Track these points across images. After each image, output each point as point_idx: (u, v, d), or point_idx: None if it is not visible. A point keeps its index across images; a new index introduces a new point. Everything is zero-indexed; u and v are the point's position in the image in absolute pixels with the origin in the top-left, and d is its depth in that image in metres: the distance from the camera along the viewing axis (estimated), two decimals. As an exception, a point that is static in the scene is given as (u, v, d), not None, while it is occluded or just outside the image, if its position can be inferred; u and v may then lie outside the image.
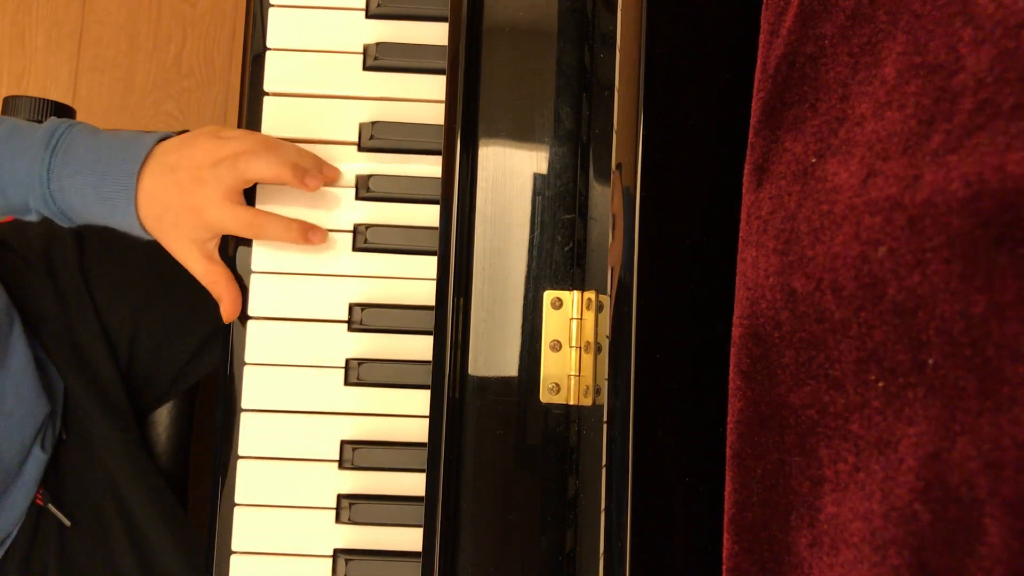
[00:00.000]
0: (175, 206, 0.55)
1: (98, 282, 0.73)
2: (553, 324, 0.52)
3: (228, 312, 0.56)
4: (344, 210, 0.57)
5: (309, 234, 0.56)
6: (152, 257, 0.71)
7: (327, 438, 0.56)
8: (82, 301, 0.71)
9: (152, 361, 0.75)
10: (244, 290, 0.57)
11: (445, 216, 0.53)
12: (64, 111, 0.90)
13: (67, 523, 0.67)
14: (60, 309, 0.71)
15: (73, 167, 0.55)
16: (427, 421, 0.52)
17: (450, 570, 0.50)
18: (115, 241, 0.70)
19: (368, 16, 0.58)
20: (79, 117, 0.93)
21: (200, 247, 0.56)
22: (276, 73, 0.58)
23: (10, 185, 0.56)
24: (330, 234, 0.57)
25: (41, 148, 0.56)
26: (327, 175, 0.57)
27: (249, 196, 0.58)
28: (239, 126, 0.58)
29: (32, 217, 0.58)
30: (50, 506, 0.67)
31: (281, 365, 0.57)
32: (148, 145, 0.56)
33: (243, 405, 0.56)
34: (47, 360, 0.70)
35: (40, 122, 0.87)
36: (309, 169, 0.55)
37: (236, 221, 0.55)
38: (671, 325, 0.49)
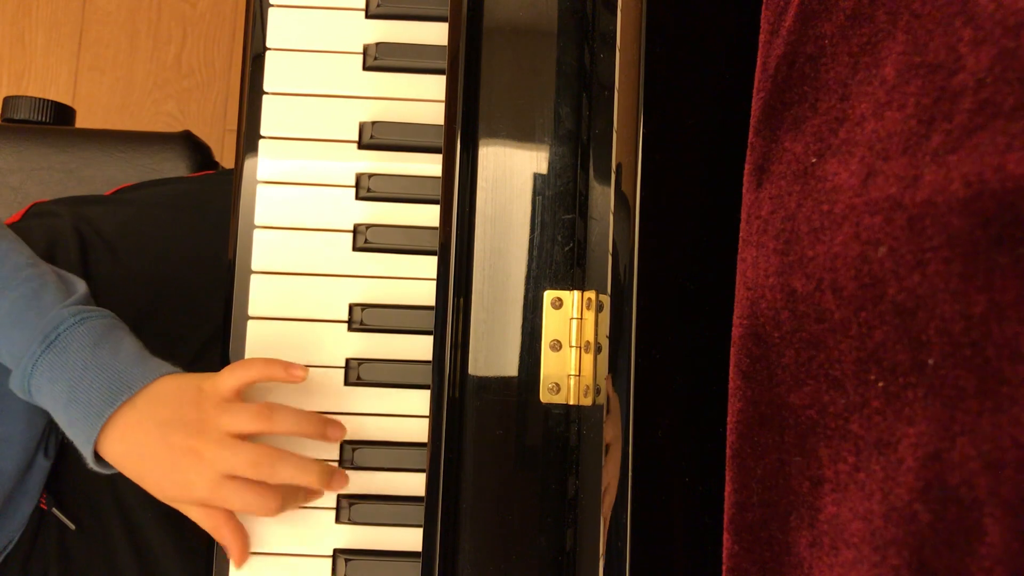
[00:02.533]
0: (163, 469, 0.52)
1: (100, 286, 0.73)
2: (553, 324, 0.52)
3: (238, 559, 0.53)
4: (344, 210, 0.57)
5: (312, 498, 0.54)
6: (154, 262, 0.71)
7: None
8: None
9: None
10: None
11: (445, 216, 0.53)
12: (64, 111, 0.90)
13: (72, 527, 0.67)
14: None
15: (56, 374, 0.52)
16: (427, 421, 0.52)
17: (450, 570, 0.50)
18: (118, 245, 0.70)
19: (368, 16, 0.58)
20: (79, 117, 0.94)
21: (192, 505, 0.52)
22: (276, 73, 0.58)
23: (4, 353, 0.53)
24: (330, 234, 0.57)
25: (39, 339, 0.52)
26: (333, 436, 0.54)
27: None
28: (239, 126, 0.58)
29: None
30: (54, 510, 0.67)
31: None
32: (137, 386, 0.52)
33: (243, 405, 0.56)
34: None
35: (41, 123, 0.87)
36: (335, 474, 0.53)
37: (239, 500, 0.51)
38: (671, 325, 0.49)
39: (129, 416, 0.52)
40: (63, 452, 0.69)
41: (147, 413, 0.52)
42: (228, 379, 0.53)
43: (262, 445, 0.52)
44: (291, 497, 0.53)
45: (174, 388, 0.53)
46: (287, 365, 0.53)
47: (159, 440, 0.51)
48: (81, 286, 0.57)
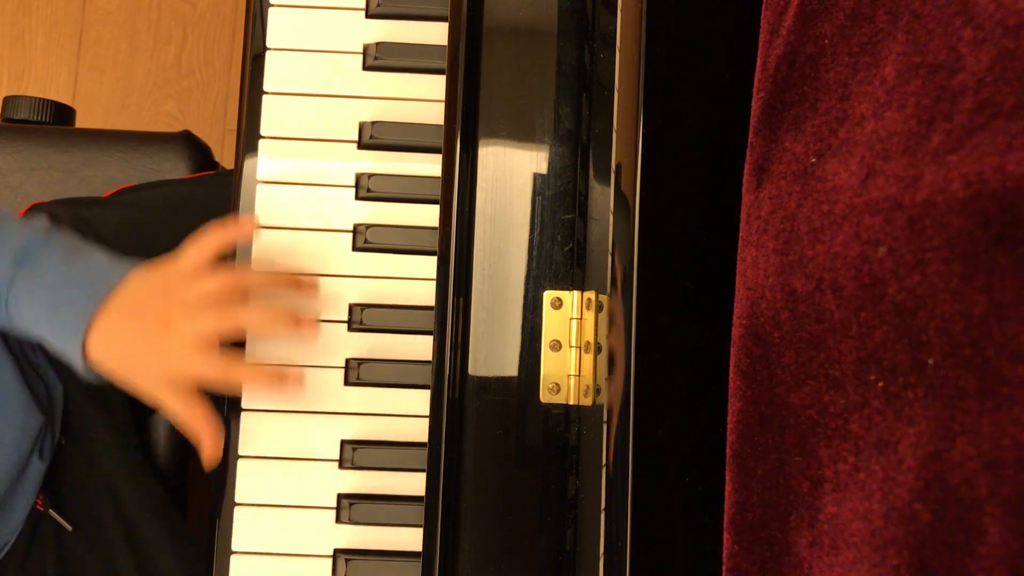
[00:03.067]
0: (137, 352, 0.53)
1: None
2: (553, 324, 0.52)
3: (209, 454, 0.53)
4: (344, 210, 0.57)
5: (278, 380, 0.53)
6: (153, 261, 0.71)
7: (327, 438, 0.56)
8: None
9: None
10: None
11: (445, 216, 0.52)
12: (64, 111, 0.90)
13: (68, 528, 0.67)
14: None
15: (32, 290, 0.53)
16: (427, 421, 0.52)
17: (450, 570, 0.50)
18: (117, 247, 0.70)
19: (368, 16, 0.58)
20: (79, 117, 0.93)
21: (170, 389, 0.53)
22: (276, 73, 0.58)
23: None
24: (330, 234, 0.57)
25: (10, 261, 0.53)
26: (308, 285, 0.55)
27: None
28: (239, 126, 0.58)
29: None
30: (51, 511, 0.67)
31: (281, 365, 0.56)
32: (112, 282, 0.53)
33: (243, 405, 0.56)
34: (45, 364, 0.69)
35: (41, 123, 0.87)
36: (303, 320, 0.53)
37: (208, 370, 0.52)
38: (671, 325, 0.49)
39: (106, 315, 0.53)
40: (59, 454, 0.69)
41: (122, 307, 0.53)
42: (187, 256, 0.54)
43: (226, 357, 0.53)
44: (260, 372, 0.54)
45: (142, 279, 0.54)
46: (239, 221, 0.55)
47: (134, 325, 0.53)
48: (42, 219, 0.58)
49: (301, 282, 0.56)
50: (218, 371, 0.53)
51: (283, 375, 0.54)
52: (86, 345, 0.53)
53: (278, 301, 0.56)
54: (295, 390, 0.55)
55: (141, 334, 0.53)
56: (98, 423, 0.70)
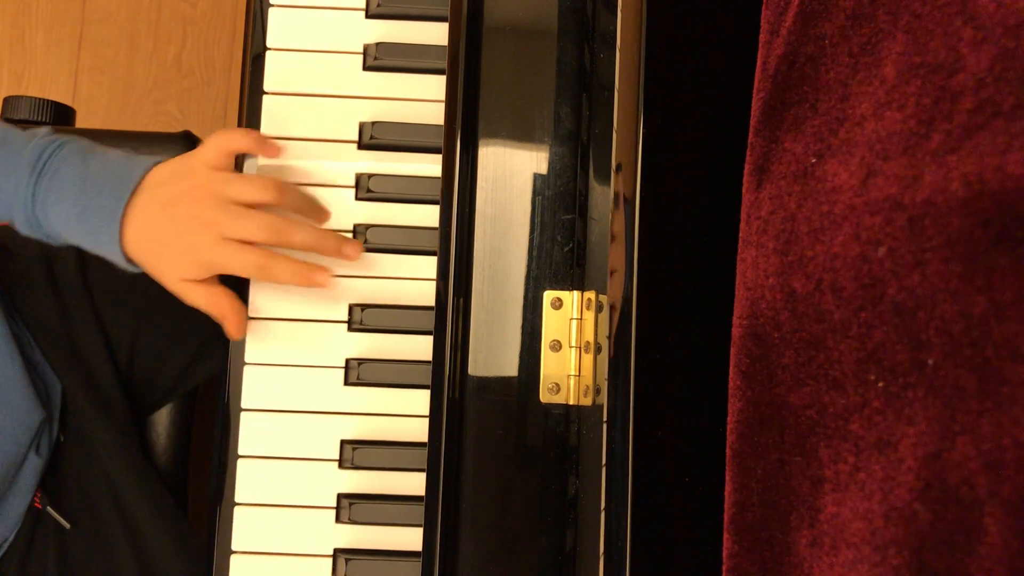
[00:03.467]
0: (169, 244, 0.53)
1: (98, 283, 0.73)
2: (553, 324, 0.52)
3: (235, 328, 0.54)
4: (344, 210, 0.57)
5: (315, 276, 0.54)
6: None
7: (327, 438, 0.56)
8: (81, 303, 0.71)
9: (153, 363, 0.75)
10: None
11: (445, 216, 0.52)
12: (64, 111, 0.90)
13: (66, 526, 0.67)
14: (59, 311, 0.71)
15: (57, 195, 0.53)
16: (427, 421, 0.52)
17: (450, 570, 0.50)
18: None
19: (368, 16, 0.58)
20: (79, 117, 0.93)
21: (196, 280, 0.54)
22: (276, 73, 0.58)
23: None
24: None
25: (27, 171, 0.53)
26: (320, 218, 0.56)
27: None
28: (239, 126, 0.58)
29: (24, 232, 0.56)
30: (49, 509, 0.67)
31: (281, 365, 0.57)
32: (137, 177, 0.53)
33: (243, 405, 0.56)
34: (44, 362, 0.69)
35: (41, 123, 0.87)
36: (348, 241, 0.55)
37: (239, 262, 0.53)
38: (671, 325, 0.49)
39: (135, 209, 0.53)
40: (58, 451, 0.69)
41: (150, 200, 0.53)
42: (212, 148, 0.54)
43: (272, 214, 0.54)
44: (289, 266, 0.54)
45: (168, 170, 0.54)
46: (263, 139, 0.55)
47: (165, 217, 0.53)
48: (44, 128, 0.58)
49: (324, 210, 0.56)
50: (254, 265, 0.53)
51: (316, 269, 0.54)
52: (122, 239, 0.53)
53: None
54: (326, 282, 0.55)
55: (171, 224, 0.53)
56: (97, 421, 0.70)
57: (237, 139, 0.55)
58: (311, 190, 0.57)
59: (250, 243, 0.53)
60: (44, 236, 0.55)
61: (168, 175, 0.54)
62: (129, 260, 0.54)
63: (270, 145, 0.56)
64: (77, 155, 0.54)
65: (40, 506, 0.67)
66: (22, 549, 0.67)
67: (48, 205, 0.53)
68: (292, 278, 0.54)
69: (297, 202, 0.55)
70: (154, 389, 0.76)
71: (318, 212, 0.56)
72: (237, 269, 0.53)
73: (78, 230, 0.53)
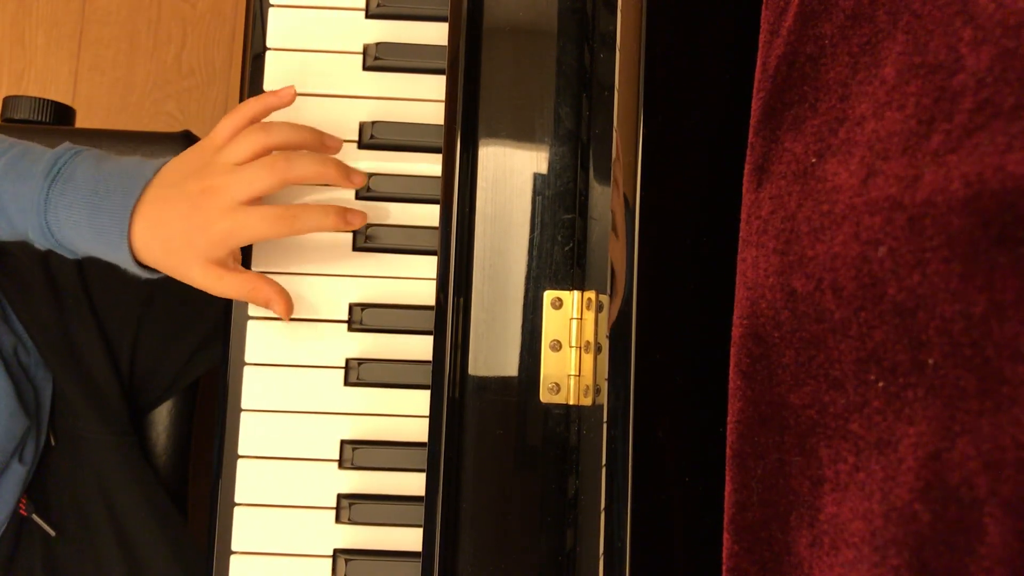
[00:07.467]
0: (182, 227, 0.51)
1: (97, 282, 0.73)
2: (553, 324, 0.52)
3: (284, 308, 0.53)
4: (344, 210, 0.57)
5: (348, 216, 0.52)
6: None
7: (327, 438, 0.56)
8: (80, 302, 0.71)
9: (152, 360, 0.75)
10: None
11: (445, 216, 0.52)
12: (64, 111, 0.90)
13: (52, 533, 0.67)
14: (57, 310, 0.71)
15: (70, 197, 0.52)
16: (427, 421, 0.52)
17: (450, 570, 0.50)
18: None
19: (368, 16, 0.58)
20: (79, 117, 0.93)
21: (220, 265, 0.52)
22: (276, 73, 0.58)
23: (14, 212, 0.53)
24: (331, 234, 0.57)
25: (43, 176, 0.52)
26: (331, 145, 0.56)
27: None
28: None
29: (38, 245, 0.55)
30: (34, 516, 0.67)
31: (281, 365, 0.57)
32: (148, 175, 0.52)
33: (243, 405, 0.56)
34: (34, 367, 0.69)
35: (41, 123, 0.87)
36: (353, 172, 0.54)
37: (259, 219, 0.51)
38: (671, 325, 0.49)
39: (144, 205, 0.52)
40: (47, 456, 0.69)
41: (161, 190, 0.52)
42: (223, 128, 0.54)
43: (269, 156, 0.52)
44: (307, 216, 0.53)
45: (177, 160, 0.54)
46: (269, 94, 0.54)
47: (176, 198, 0.51)
48: (65, 142, 0.58)
49: (326, 138, 0.55)
50: (275, 217, 0.51)
51: (347, 210, 0.53)
52: (132, 239, 0.52)
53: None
54: (359, 221, 0.54)
55: (184, 203, 0.51)
56: (93, 419, 0.69)
57: (247, 110, 0.54)
58: (310, 190, 0.57)
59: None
60: (56, 245, 0.54)
61: (176, 163, 0.54)
62: (142, 265, 0.53)
63: (280, 95, 0.54)
64: (91, 160, 0.54)
65: (25, 513, 0.67)
66: (5, 557, 0.66)
67: (60, 208, 0.52)
68: (321, 221, 0.52)
69: (295, 136, 0.54)
70: (155, 385, 0.76)
71: (325, 142, 0.55)
72: (260, 228, 0.51)
73: (88, 231, 0.52)
